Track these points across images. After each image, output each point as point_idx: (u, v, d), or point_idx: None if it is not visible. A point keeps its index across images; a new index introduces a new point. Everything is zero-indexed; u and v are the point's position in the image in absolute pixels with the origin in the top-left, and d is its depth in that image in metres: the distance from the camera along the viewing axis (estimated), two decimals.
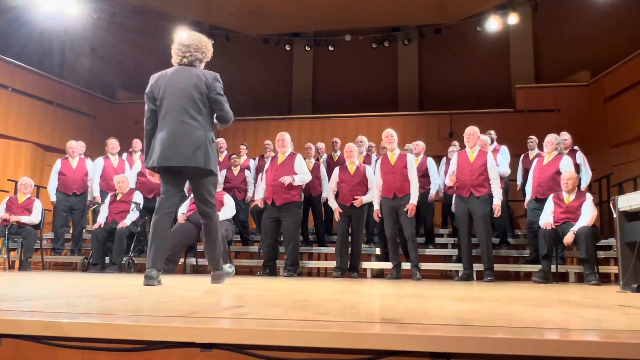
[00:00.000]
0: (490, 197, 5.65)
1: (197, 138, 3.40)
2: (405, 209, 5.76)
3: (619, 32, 10.50)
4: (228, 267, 3.86)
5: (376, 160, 6.72)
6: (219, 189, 6.95)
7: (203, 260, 6.77)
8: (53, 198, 7.22)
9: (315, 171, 7.13)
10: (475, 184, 5.65)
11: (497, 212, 5.64)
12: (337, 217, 6.22)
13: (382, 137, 6.11)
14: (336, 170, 6.40)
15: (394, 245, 5.93)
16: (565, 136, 6.83)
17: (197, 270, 6.72)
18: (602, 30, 10.69)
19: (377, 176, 6.06)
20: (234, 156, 7.71)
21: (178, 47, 3.57)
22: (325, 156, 7.98)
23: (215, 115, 3.59)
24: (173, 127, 3.41)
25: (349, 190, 6.17)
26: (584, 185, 6.50)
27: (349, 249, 6.27)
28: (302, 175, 6.01)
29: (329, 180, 6.71)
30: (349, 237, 6.29)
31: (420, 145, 7.31)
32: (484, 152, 5.83)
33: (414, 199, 5.79)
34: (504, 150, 7.32)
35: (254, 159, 8.23)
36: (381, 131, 10.50)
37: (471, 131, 5.80)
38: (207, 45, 3.64)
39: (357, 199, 6.10)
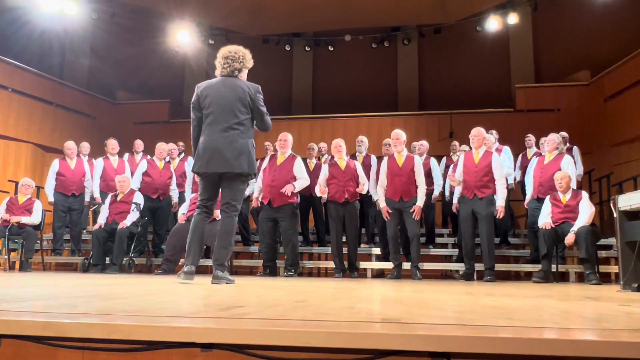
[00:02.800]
0: (494, 198, 5.61)
1: (241, 145, 3.72)
2: (411, 210, 5.74)
3: (619, 31, 10.50)
4: (230, 276, 3.88)
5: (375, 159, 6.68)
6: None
7: (203, 260, 6.77)
8: (51, 198, 7.22)
9: (316, 172, 7.11)
10: (479, 185, 5.62)
11: (500, 214, 5.61)
12: (321, 192, 6.12)
13: (391, 137, 6.05)
14: (325, 167, 6.30)
15: (395, 246, 5.92)
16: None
17: (197, 270, 6.70)
18: (602, 29, 10.69)
19: (381, 174, 6.02)
20: None
21: (219, 61, 3.89)
22: (327, 157, 7.96)
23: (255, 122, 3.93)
24: (220, 135, 3.71)
25: (341, 187, 6.08)
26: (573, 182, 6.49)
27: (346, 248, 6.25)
28: (301, 180, 5.99)
29: None
30: (343, 237, 6.26)
31: (424, 145, 7.29)
32: (489, 152, 5.79)
33: (420, 201, 5.77)
34: (507, 150, 7.30)
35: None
36: (381, 131, 10.55)
37: (476, 132, 5.78)
38: (245, 55, 3.94)
39: (357, 190, 6.04)
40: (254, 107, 3.82)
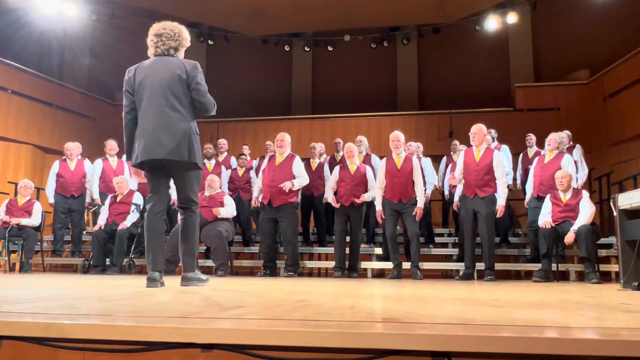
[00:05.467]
0: (495, 197, 5.59)
1: (181, 130, 3.26)
2: (413, 213, 5.74)
3: (618, 30, 10.50)
4: (203, 276, 3.64)
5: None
6: (223, 189, 6.94)
7: (203, 261, 6.77)
8: (51, 200, 7.21)
9: (318, 171, 7.12)
10: (481, 184, 5.57)
11: (500, 213, 5.59)
12: (333, 203, 6.20)
13: (389, 138, 6.04)
14: (337, 169, 6.40)
15: (394, 245, 5.92)
16: (562, 134, 6.81)
17: (200, 271, 6.70)
18: (602, 28, 10.70)
19: (379, 175, 6.02)
20: (243, 156, 7.71)
21: (151, 39, 3.47)
22: (325, 156, 7.96)
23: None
24: (155, 119, 3.26)
25: (349, 190, 6.16)
26: (580, 182, 6.49)
27: (348, 248, 6.28)
28: (300, 179, 5.99)
29: None
30: (347, 237, 6.29)
31: (413, 145, 7.26)
32: (490, 150, 5.74)
33: (420, 203, 5.79)
34: (505, 149, 7.30)
35: (255, 160, 8.23)
36: (381, 131, 10.53)
37: (477, 129, 5.70)
38: (181, 32, 3.49)
39: (357, 199, 6.10)
40: (192, 85, 3.33)
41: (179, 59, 3.44)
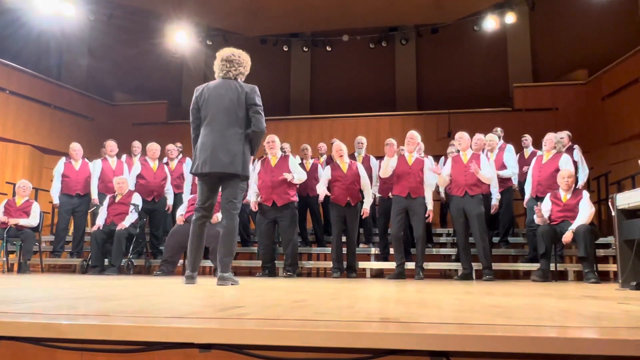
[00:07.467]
0: (484, 196, 5.69)
1: (236, 147, 3.75)
2: (426, 214, 5.79)
3: (616, 30, 10.52)
4: (235, 277, 3.92)
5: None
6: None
7: (202, 261, 6.75)
8: (56, 200, 7.18)
9: (312, 172, 7.11)
10: (470, 183, 5.69)
11: (494, 209, 5.81)
12: (321, 198, 6.18)
13: (405, 136, 6.11)
14: (327, 169, 6.33)
15: (398, 245, 5.92)
16: (562, 134, 6.82)
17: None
18: (600, 28, 10.71)
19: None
20: None
21: (222, 63, 3.92)
22: (325, 157, 7.96)
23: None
24: (214, 136, 3.75)
25: (344, 190, 6.12)
26: (581, 182, 6.50)
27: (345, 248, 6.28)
28: (298, 174, 6.04)
29: None
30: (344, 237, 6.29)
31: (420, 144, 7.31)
32: (477, 155, 5.89)
33: (430, 205, 5.84)
34: (510, 148, 7.31)
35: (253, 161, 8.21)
36: (380, 131, 10.52)
37: (460, 135, 5.94)
38: (247, 60, 4.01)
39: (363, 211, 6.17)
40: (251, 106, 3.83)
41: (242, 83, 3.92)
